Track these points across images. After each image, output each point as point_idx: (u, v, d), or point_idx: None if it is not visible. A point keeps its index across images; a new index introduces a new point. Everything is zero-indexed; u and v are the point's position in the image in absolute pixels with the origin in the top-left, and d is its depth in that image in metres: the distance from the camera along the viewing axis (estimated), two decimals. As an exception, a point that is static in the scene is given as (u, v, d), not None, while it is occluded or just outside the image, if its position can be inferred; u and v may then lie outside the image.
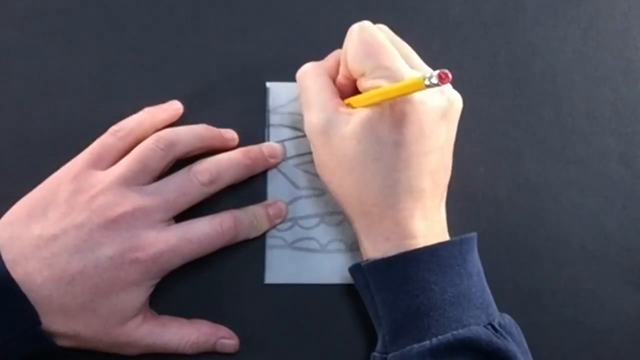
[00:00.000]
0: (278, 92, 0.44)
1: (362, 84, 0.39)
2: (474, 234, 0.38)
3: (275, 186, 0.43)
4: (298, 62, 0.44)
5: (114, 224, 0.37)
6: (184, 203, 0.40)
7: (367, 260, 0.38)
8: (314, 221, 0.43)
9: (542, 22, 0.44)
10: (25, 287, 0.36)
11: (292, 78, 0.43)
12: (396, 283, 0.36)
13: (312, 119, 0.39)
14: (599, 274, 0.43)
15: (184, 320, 0.41)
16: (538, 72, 0.44)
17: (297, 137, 0.43)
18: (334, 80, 0.41)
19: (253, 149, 0.43)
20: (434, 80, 0.33)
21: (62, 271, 0.36)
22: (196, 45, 0.44)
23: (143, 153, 0.39)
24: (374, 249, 0.38)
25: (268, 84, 0.44)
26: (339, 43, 0.44)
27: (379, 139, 0.37)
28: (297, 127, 0.44)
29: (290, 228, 0.43)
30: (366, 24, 0.39)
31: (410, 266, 0.36)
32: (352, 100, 0.39)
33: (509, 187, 0.43)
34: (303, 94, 0.41)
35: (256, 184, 0.43)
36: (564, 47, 0.44)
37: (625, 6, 0.45)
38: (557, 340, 0.42)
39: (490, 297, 0.38)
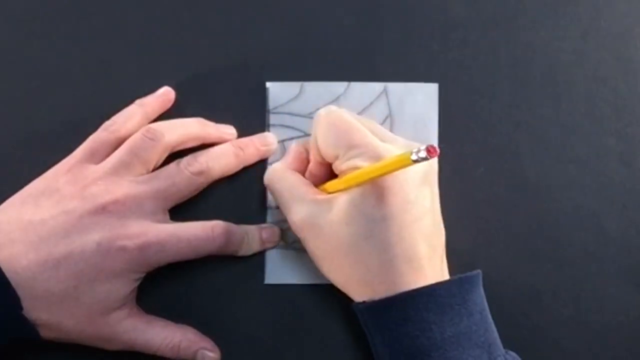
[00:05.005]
0: (278, 92, 0.44)
1: (338, 167, 0.38)
2: (476, 272, 0.38)
3: (275, 186, 0.43)
4: (298, 62, 0.44)
5: (104, 210, 0.38)
6: (175, 192, 0.40)
7: (364, 301, 0.37)
8: (314, 221, 0.43)
9: (542, 22, 0.44)
10: (8, 270, 0.36)
11: (292, 78, 0.43)
12: (395, 324, 0.36)
13: (294, 217, 0.39)
14: (599, 274, 0.43)
15: (170, 322, 0.41)
16: (538, 72, 0.44)
17: (297, 137, 0.43)
18: (302, 172, 0.41)
19: (243, 139, 0.43)
20: (422, 155, 0.31)
21: (47, 254, 0.36)
22: (196, 44, 0.44)
23: (133, 144, 0.40)
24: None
25: (268, 84, 0.44)
26: (339, 43, 0.44)
27: (367, 217, 0.36)
28: (297, 127, 0.43)
29: (290, 228, 0.43)
30: (331, 107, 0.40)
31: (409, 306, 0.36)
32: (329, 185, 0.39)
33: (509, 187, 0.43)
34: (277, 199, 0.41)
35: (256, 188, 0.43)
36: (564, 47, 0.44)
37: (625, 6, 0.45)
38: (557, 340, 0.42)
39: (494, 335, 0.37)
